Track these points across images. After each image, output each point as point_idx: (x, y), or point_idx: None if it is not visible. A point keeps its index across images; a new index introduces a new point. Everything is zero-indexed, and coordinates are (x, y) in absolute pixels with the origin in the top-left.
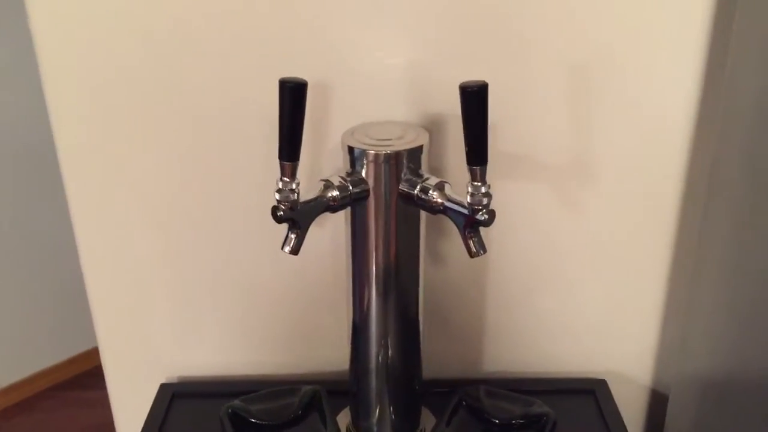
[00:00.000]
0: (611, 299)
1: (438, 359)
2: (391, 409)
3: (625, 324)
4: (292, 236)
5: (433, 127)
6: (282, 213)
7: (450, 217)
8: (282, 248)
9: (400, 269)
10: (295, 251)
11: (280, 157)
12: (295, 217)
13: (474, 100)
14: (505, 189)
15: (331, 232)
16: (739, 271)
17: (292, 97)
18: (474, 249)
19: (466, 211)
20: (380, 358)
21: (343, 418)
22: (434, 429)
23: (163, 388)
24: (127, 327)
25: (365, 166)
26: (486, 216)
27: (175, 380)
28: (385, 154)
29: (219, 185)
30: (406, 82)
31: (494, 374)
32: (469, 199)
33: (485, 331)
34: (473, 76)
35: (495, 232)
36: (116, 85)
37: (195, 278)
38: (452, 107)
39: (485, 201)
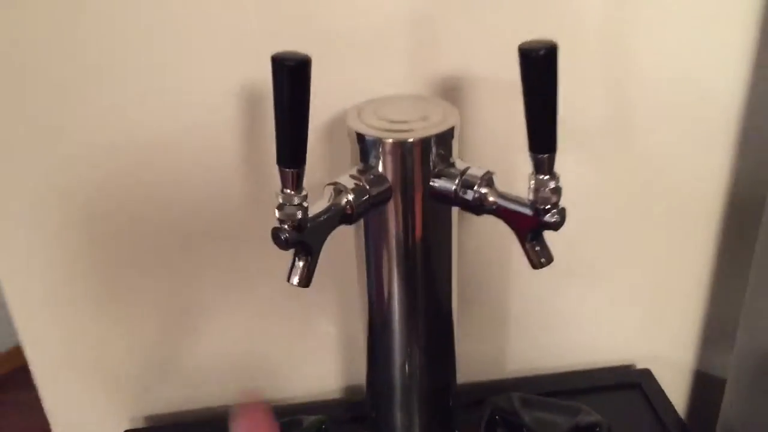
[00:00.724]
0: (650, 280)
1: (463, 361)
2: (421, 429)
3: (667, 303)
4: (300, 264)
5: (446, 98)
6: (287, 236)
7: (504, 220)
8: (289, 280)
9: (432, 277)
10: (305, 282)
11: (280, 163)
12: (305, 239)
13: (541, 66)
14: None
15: None
16: None
17: (294, 79)
18: (538, 259)
19: (529, 212)
20: (407, 369)
21: None
22: None
23: None
24: (76, 370)
25: (382, 159)
26: (557, 217)
27: (141, 422)
28: (409, 141)
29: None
30: (406, 39)
31: (526, 372)
32: (532, 196)
33: (515, 326)
34: (488, 29)
35: None
36: None
37: (148, 301)
38: (467, 68)
39: (554, 198)
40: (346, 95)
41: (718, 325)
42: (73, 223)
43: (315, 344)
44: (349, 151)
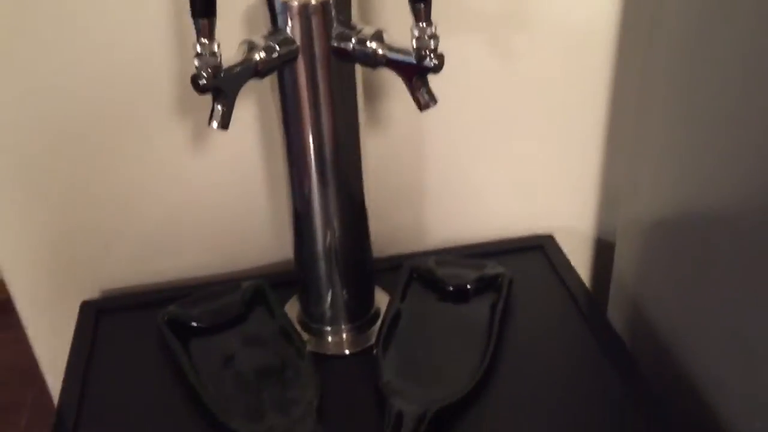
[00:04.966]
0: (551, 152)
1: (382, 235)
2: (344, 292)
3: (567, 176)
4: (220, 108)
5: None
6: (205, 81)
7: (394, 69)
8: (209, 123)
9: (340, 139)
10: (224, 125)
11: (193, 14)
12: (221, 85)
13: None
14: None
15: (255, 108)
16: (685, 109)
17: None
18: (424, 100)
19: (412, 60)
20: (328, 239)
21: (292, 309)
22: (389, 307)
23: (85, 306)
24: (35, 245)
25: (289, 21)
26: (436, 61)
27: (97, 296)
28: (312, 4)
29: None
30: None
31: (441, 245)
32: (415, 44)
33: (428, 201)
34: None
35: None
36: None
37: (103, 180)
38: None
39: (433, 44)
40: None
41: (612, 194)
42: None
43: (252, 217)
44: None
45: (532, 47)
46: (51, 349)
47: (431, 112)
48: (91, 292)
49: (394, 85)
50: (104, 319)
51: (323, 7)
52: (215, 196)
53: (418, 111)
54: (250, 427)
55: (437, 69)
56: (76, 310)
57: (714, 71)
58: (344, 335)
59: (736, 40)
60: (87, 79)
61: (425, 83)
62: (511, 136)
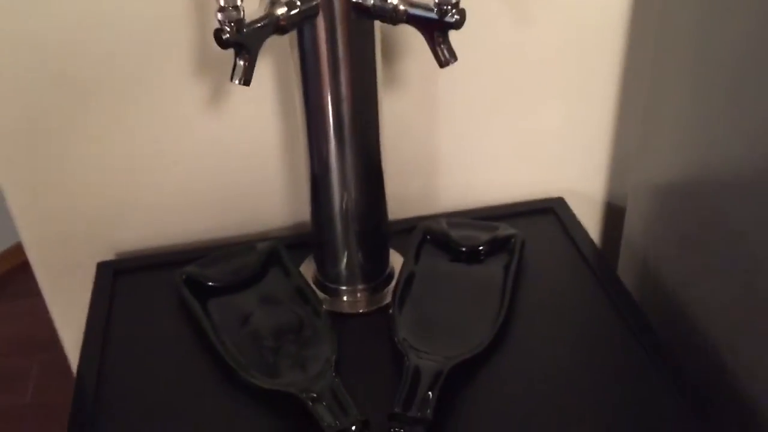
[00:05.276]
0: (563, 116)
1: (393, 198)
2: (360, 252)
3: (578, 140)
4: (241, 63)
5: None
6: (228, 36)
7: (414, 25)
8: (231, 79)
9: (359, 97)
10: (246, 81)
11: None
12: (243, 40)
13: None
14: None
15: (271, 69)
16: (698, 75)
17: None
18: (445, 57)
19: (434, 15)
20: (345, 200)
21: (307, 270)
22: (404, 267)
23: (102, 267)
24: (49, 209)
25: None
26: (457, 16)
27: (112, 258)
28: None
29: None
30: None
31: (452, 208)
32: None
33: (439, 165)
34: None
35: None
36: None
37: (118, 144)
38: None
39: (454, 0)
40: None
41: (623, 157)
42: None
43: (267, 180)
44: None
45: (547, 11)
46: (67, 313)
47: (446, 74)
48: (107, 256)
49: (411, 45)
50: (121, 279)
51: None
52: (230, 159)
53: (431, 74)
54: (270, 383)
55: (459, 24)
56: (93, 275)
57: (727, 33)
58: (359, 295)
59: None
60: (104, 34)
61: (446, 40)
62: (524, 100)
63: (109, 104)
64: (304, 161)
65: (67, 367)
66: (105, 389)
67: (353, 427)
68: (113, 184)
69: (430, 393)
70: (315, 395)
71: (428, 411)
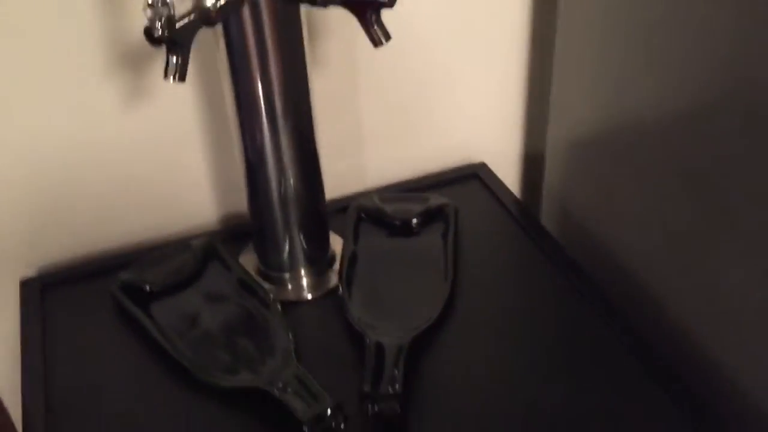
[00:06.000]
0: (477, 81)
1: (326, 177)
2: (301, 237)
3: (493, 104)
4: (174, 60)
5: None
6: (159, 33)
7: (347, 6)
8: (165, 78)
9: (289, 83)
10: (182, 77)
11: None
12: (176, 36)
13: None
14: None
15: (193, 62)
16: (606, 26)
17: None
18: (378, 36)
19: None
20: (282, 186)
21: (247, 262)
22: (344, 248)
23: (26, 285)
24: None
25: None
26: None
27: (35, 274)
28: None
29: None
30: None
31: (381, 184)
32: None
33: (366, 141)
34: None
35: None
36: None
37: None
38: None
39: None
40: None
41: (536, 115)
42: None
43: (194, 174)
44: None
45: None
46: None
47: (364, 51)
48: (28, 273)
49: (329, 26)
50: (51, 294)
51: None
52: (150, 156)
53: (350, 51)
54: (232, 380)
55: (391, 3)
56: (16, 295)
57: None
58: (304, 280)
59: None
60: (14, 32)
61: (379, 19)
62: (440, 70)
63: (17, 103)
64: (237, 151)
65: None
66: (55, 417)
67: (328, 412)
68: (29, 190)
69: (395, 368)
70: (281, 386)
71: (397, 385)
